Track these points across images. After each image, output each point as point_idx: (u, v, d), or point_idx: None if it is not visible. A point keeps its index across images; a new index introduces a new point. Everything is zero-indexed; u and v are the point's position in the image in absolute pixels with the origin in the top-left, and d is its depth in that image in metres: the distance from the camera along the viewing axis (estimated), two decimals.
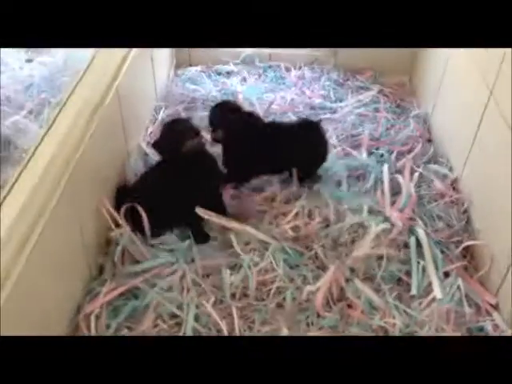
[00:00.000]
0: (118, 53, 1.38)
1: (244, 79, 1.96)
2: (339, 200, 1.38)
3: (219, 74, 1.99)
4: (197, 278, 1.19)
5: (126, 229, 1.23)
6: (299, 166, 1.42)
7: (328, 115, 1.77)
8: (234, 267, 1.25)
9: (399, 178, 1.44)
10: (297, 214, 1.34)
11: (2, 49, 1.84)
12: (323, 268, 1.24)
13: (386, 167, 1.47)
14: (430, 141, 1.67)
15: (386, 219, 1.33)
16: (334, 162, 1.52)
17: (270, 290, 1.19)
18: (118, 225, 1.25)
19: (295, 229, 1.31)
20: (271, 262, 1.23)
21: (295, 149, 1.40)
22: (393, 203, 1.38)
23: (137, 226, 1.26)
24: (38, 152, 1.04)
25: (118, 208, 1.26)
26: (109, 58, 1.34)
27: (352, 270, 1.22)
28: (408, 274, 1.22)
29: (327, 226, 1.32)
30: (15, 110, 1.62)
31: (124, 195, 1.31)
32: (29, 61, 1.86)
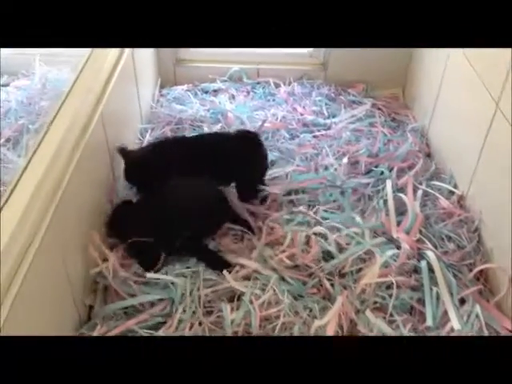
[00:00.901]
0: (100, 74, 1.30)
1: (232, 97, 1.88)
2: (341, 222, 1.31)
3: (206, 92, 1.91)
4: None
5: (112, 263, 1.14)
6: (236, 182, 1.35)
7: (322, 132, 1.71)
8: (233, 298, 1.16)
9: (403, 196, 1.37)
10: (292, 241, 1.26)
11: None
12: (329, 298, 1.17)
13: (389, 185, 1.40)
14: (428, 155, 1.61)
15: (393, 242, 1.26)
16: (331, 181, 1.45)
17: (275, 326, 1.10)
18: (106, 260, 1.16)
19: (291, 257, 1.24)
20: (274, 294, 1.14)
21: (231, 163, 1.32)
22: (397, 224, 1.31)
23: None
24: (19, 185, 0.95)
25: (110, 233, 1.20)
26: (92, 79, 1.25)
27: (362, 301, 1.14)
28: (420, 301, 1.15)
29: (328, 253, 1.25)
30: None
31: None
32: (5, 85, 1.76)
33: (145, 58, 1.76)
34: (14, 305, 0.81)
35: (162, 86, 1.92)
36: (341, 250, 1.25)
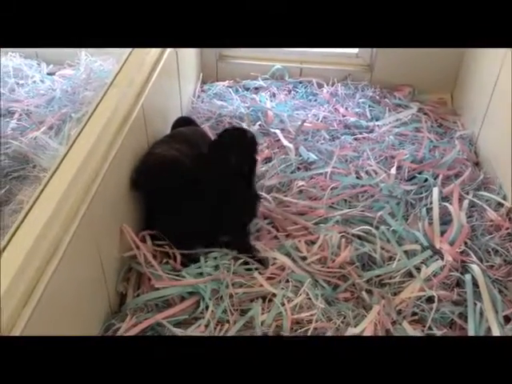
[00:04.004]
0: (144, 67, 1.29)
1: (273, 95, 1.85)
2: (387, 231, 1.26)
3: (247, 89, 1.89)
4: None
5: (143, 251, 1.13)
6: None
7: (364, 134, 1.66)
8: (264, 300, 1.13)
9: (448, 206, 1.31)
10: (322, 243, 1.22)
11: (23, 61, 1.79)
12: (364, 305, 1.12)
13: (435, 192, 1.34)
14: (477, 164, 1.53)
15: (436, 253, 1.20)
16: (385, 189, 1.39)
17: (306, 330, 1.06)
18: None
19: (322, 260, 1.20)
20: (308, 298, 1.10)
21: None
22: (441, 234, 1.25)
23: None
24: (58, 172, 0.95)
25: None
26: (134, 72, 1.25)
27: (399, 312, 1.09)
28: (462, 316, 1.09)
29: (369, 257, 1.20)
30: (35, 126, 1.55)
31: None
32: (50, 74, 1.79)
33: (188, 52, 1.75)
34: (47, 289, 0.80)
35: (203, 82, 1.91)
36: (383, 259, 1.20)
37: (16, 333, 0.73)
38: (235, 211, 1.20)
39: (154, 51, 1.37)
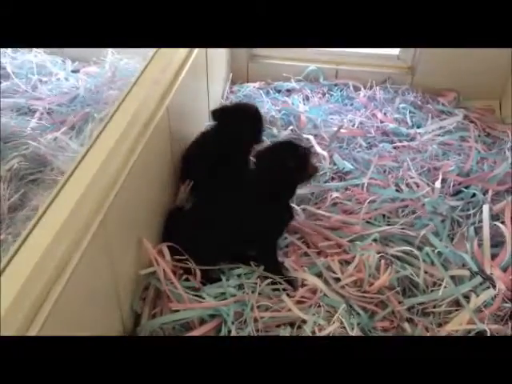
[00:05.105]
0: (170, 66, 1.20)
1: (307, 98, 1.74)
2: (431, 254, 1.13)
3: (279, 91, 1.78)
4: None
5: (163, 266, 1.03)
6: None
7: (404, 143, 1.53)
8: (292, 326, 1.03)
9: (500, 225, 1.17)
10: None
11: (47, 58, 1.73)
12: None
13: (486, 210, 1.20)
14: None
15: (486, 279, 1.07)
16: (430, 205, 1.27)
17: None
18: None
19: (358, 283, 1.09)
20: (342, 327, 0.99)
21: None
22: (492, 258, 1.12)
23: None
24: (73, 176, 0.86)
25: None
26: (160, 71, 1.16)
27: None
28: None
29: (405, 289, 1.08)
30: (56, 125, 1.48)
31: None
32: (75, 71, 1.72)
33: (218, 51, 1.66)
34: (53, 309, 0.72)
35: (233, 82, 1.82)
36: (427, 284, 1.08)
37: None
38: (266, 224, 1.10)
39: (182, 50, 1.28)
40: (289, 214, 1.12)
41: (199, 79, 1.48)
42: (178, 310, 1.01)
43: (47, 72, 1.70)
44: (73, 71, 1.73)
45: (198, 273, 1.07)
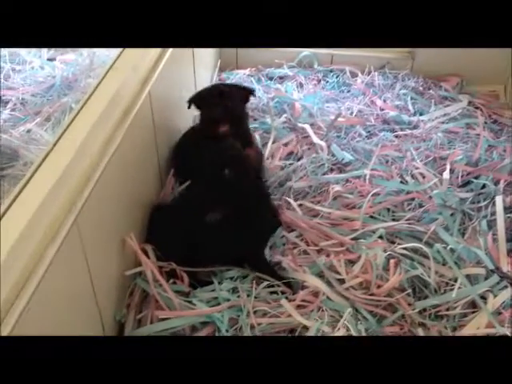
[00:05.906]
0: (150, 51, 1.09)
1: (301, 85, 1.64)
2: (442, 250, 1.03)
3: (271, 78, 1.68)
4: None
5: (149, 267, 0.92)
6: None
7: (407, 131, 1.43)
8: (293, 333, 0.92)
9: None
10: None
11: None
12: None
13: (499, 201, 1.11)
14: None
15: (503, 278, 0.98)
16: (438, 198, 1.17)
17: None
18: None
19: (364, 284, 0.99)
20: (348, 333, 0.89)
21: None
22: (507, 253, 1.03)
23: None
24: (42, 168, 0.75)
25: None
26: (138, 56, 1.05)
27: None
28: None
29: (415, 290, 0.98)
30: (30, 117, 1.36)
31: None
32: (51, 60, 1.60)
33: None
34: (20, 319, 0.61)
35: (221, 69, 1.71)
36: (439, 284, 0.98)
37: None
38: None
39: None
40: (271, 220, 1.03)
41: (185, 66, 1.38)
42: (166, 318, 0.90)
43: (21, 60, 1.58)
44: (48, 59, 1.60)
45: (186, 277, 0.97)
